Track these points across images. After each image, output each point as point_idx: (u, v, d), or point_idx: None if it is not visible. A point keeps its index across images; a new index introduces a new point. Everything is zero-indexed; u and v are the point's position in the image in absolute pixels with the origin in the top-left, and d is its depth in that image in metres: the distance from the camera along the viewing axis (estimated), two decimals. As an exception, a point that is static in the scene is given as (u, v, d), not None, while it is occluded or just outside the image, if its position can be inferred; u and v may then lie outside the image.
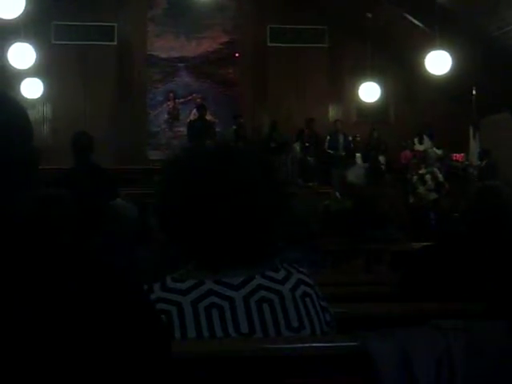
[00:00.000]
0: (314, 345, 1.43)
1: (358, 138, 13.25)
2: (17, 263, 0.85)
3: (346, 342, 1.49)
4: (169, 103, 14.04)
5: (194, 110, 12.86)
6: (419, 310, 1.99)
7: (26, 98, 11.82)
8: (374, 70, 12.57)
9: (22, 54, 10.04)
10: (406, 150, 13.10)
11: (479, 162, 12.16)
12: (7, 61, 10.25)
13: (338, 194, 9.77)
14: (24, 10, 7.86)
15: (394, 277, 2.70)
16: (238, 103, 14.04)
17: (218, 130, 12.75)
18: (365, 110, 13.90)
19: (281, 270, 1.44)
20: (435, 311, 1.94)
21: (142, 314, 0.92)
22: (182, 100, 14.08)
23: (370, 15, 12.53)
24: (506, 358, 1.56)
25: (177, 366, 1.02)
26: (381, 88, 12.68)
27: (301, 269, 1.50)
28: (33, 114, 12.46)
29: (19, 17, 8.06)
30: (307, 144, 12.72)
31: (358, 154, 12.85)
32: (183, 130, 13.14)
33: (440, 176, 11.71)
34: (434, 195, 10.93)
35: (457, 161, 12.87)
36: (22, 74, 11.49)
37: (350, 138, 13.18)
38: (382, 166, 12.55)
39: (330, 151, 12.91)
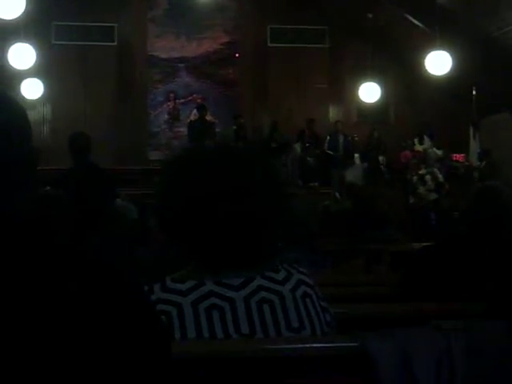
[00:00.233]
0: (315, 345, 1.43)
1: (357, 138, 13.24)
2: (17, 263, 0.84)
3: (346, 343, 1.50)
4: (169, 103, 14.04)
5: (195, 111, 12.84)
6: (419, 310, 1.99)
7: (26, 99, 11.81)
8: (374, 70, 12.56)
9: (22, 55, 10.00)
10: (406, 151, 13.08)
11: (479, 163, 12.16)
12: (7, 61, 10.22)
13: (337, 194, 9.79)
14: (24, 10, 7.85)
15: (394, 277, 2.70)
16: (239, 103, 14.03)
17: (218, 130, 12.72)
18: (365, 111, 13.91)
19: (281, 271, 1.44)
20: (435, 311, 1.95)
21: (142, 314, 0.91)
22: (182, 100, 14.08)
23: (370, 15, 12.54)
24: (506, 357, 1.56)
25: (177, 366, 1.02)
26: (381, 88, 12.68)
27: (301, 269, 1.50)
28: (33, 115, 12.44)
29: (19, 17, 8.05)
30: (308, 144, 12.72)
31: (356, 155, 12.85)
32: (183, 130, 13.13)
33: (440, 176, 11.72)
34: (434, 195, 10.95)
35: (457, 161, 12.86)
36: (22, 75, 11.47)
37: (349, 138, 13.18)
38: (382, 166, 12.56)
39: (329, 152, 12.90)
